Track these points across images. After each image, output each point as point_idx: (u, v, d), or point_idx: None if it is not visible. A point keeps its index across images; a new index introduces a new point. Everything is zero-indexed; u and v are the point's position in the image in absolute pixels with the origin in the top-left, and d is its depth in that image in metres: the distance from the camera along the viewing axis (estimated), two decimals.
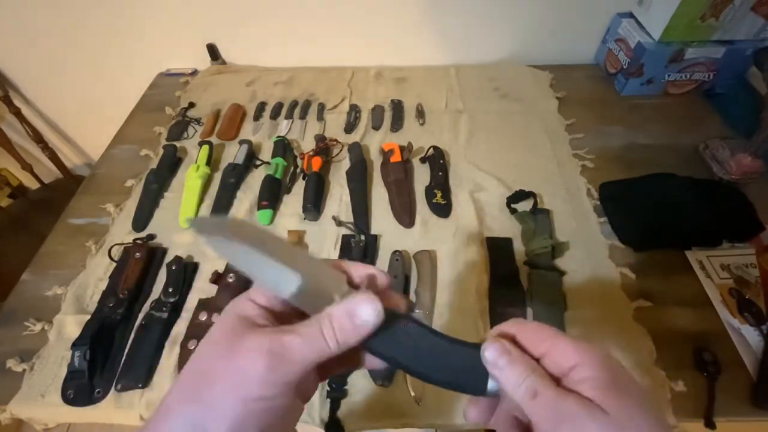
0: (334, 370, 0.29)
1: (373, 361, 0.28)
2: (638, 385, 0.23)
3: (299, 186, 0.82)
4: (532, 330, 0.25)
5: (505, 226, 0.74)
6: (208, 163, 0.85)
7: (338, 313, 0.24)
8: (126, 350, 0.61)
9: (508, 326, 0.26)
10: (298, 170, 0.85)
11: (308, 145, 0.91)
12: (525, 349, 0.25)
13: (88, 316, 0.64)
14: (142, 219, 0.77)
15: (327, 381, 0.57)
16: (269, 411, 0.23)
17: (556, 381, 0.24)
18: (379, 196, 0.80)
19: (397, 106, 0.99)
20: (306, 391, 0.27)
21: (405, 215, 0.76)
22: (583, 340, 0.24)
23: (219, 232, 0.24)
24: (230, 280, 0.65)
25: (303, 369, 0.24)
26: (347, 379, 0.57)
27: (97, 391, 0.57)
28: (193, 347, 0.59)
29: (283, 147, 0.87)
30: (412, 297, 0.65)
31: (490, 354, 0.24)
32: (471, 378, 0.25)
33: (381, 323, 0.24)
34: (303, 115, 0.99)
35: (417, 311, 0.63)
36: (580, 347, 0.24)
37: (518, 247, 0.71)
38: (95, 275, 0.70)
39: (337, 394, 0.56)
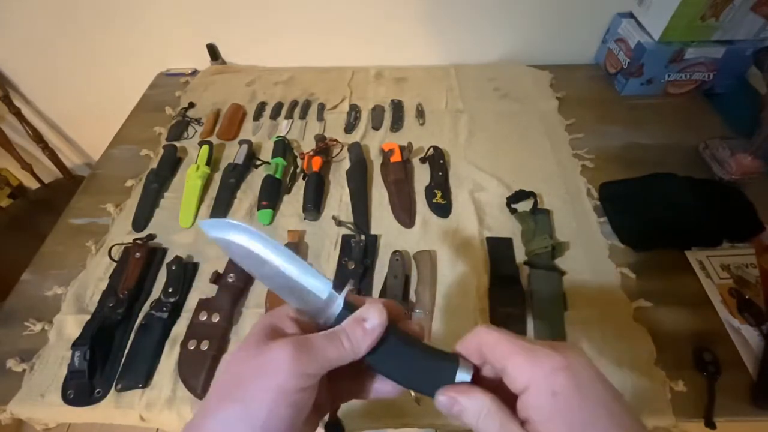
0: (344, 394, 0.30)
1: (379, 390, 0.29)
2: (600, 398, 0.23)
3: (299, 186, 0.82)
4: (493, 343, 0.26)
5: (505, 226, 0.74)
6: (208, 163, 0.85)
7: (350, 321, 0.27)
8: (126, 350, 0.61)
9: (473, 338, 0.27)
10: (298, 170, 0.85)
11: (308, 145, 0.91)
12: (490, 361, 0.26)
13: (88, 316, 0.64)
14: (142, 219, 0.77)
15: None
16: (296, 406, 0.25)
17: (514, 401, 0.24)
18: (379, 196, 0.80)
19: (397, 106, 0.99)
20: (321, 407, 0.29)
21: (405, 215, 0.76)
22: (547, 347, 0.24)
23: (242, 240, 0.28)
24: (230, 280, 0.65)
25: (324, 365, 0.26)
26: None
27: (97, 391, 0.57)
28: (193, 347, 0.59)
29: (283, 147, 0.87)
30: (412, 297, 0.65)
31: (442, 405, 0.27)
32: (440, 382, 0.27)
33: (384, 334, 0.27)
34: (303, 115, 0.99)
35: (417, 311, 0.63)
36: (535, 364, 0.24)
37: (518, 247, 0.71)
38: (95, 275, 0.70)
39: None
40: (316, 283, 0.28)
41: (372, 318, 0.26)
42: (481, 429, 0.25)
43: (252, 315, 0.64)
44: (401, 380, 0.28)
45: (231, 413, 0.24)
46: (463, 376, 0.26)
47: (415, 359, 0.27)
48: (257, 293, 0.67)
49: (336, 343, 0.26)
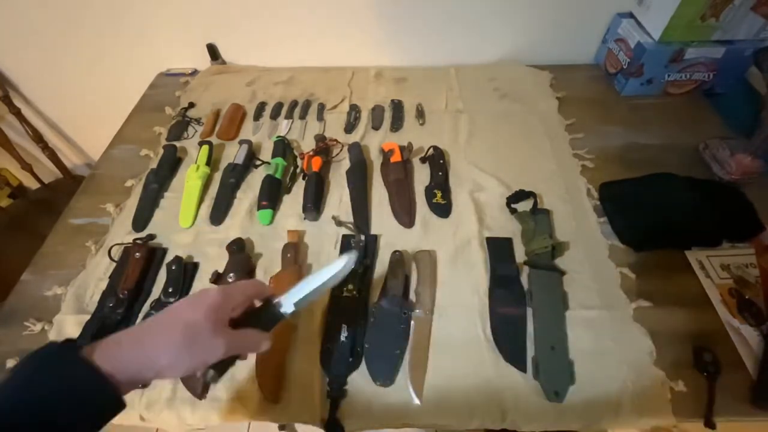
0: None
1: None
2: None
3: (299, 186, 0.82)
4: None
5: (505, 226, 0.74)
6: (208, 163, 0.85)
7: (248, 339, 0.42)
8: None
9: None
10: (298, 170, 0.85)
11: (308, 145, 0.91)
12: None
13: (88, 316, 0.64)
14: (142, 219, 0.77)
15: (327, 381, 0.57)
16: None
17: None
18: (379, 196, 0.80)
19: (397, 106, 0.98)
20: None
21: (405, 215, 0.76)
22: None
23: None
24: (230, 280, 0.65)
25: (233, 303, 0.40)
26: (347, 379, 0.57)
27: None
28: None
29: (283, 147, 0.87)
30: (412, 297, 0.65)
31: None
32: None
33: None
34: (303, 115, 0.99)
35: (417, 311, 0.63)
36: None
37: (518, 247, 0.71)
38: (95, 275, 0.70)
39: (337, 394, 0.56)
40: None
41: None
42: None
43: None
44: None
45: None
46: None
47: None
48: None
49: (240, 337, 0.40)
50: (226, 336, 0.38)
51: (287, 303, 0.44)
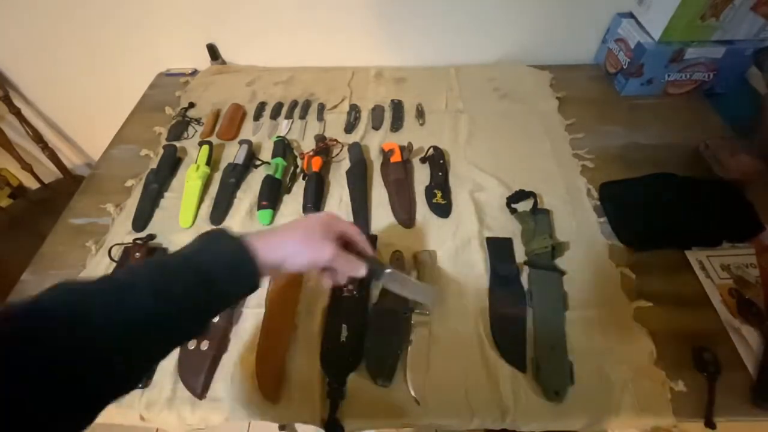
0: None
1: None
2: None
3: (299, 186, 0.82)
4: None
5: (505, 226, 0.74)
6: (208, 163, 0.85)
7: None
8: None
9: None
10: (298, 170, 0.85)
11: (308, 145, 0.91)
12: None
13: None
14: (142, 219, 0.77)
15: (327, 381, 0.57)
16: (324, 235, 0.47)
17: None
18: (379, 196, 0.80)
19: (397, 106, 0.99)
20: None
21: (405, 215, 0.76)
22: None
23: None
24: None
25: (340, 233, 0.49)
26: (347, 379, 0.57)
27: None
28: (193, 347, 0.59)
29: (283, 147, 0.87)
30: None
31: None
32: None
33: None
34: (303, 115, 0.99)
35: (417, 311, 0.63)
36: None
37: (518, 247, 0.71)
38: (95, 275, 0.69)
39: (337, 394, 0.56)
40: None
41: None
42: None
43: (252, 315, 0.64)
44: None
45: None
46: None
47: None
48: (257, 293, 0.66)
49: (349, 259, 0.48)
50: (333, 246, 0.46)
51: (387, 266, 0.51)
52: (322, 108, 1.00)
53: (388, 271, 0.50)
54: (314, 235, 0.46)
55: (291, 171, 0.85)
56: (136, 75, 1.12)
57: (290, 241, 0.45)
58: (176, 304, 0.36)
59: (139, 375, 0.38)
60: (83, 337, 0.31)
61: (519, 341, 0.60)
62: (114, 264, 0.70)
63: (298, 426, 0.59)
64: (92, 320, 0.32)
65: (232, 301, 0.44)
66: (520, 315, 0.62)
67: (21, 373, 0.28)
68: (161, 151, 0.89)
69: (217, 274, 0.39)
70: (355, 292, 0.64)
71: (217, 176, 0.84)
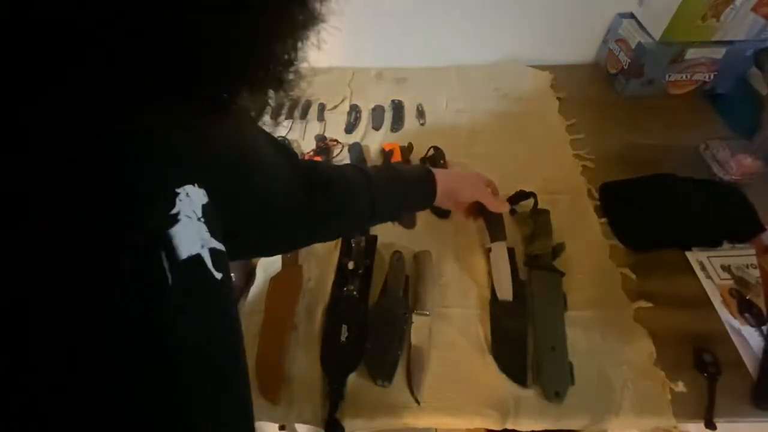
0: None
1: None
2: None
3: None
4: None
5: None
6: None
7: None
8: None
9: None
10: None
11: (308, 145, 0.91)
12: None
13: None
14: None
15: (327, 381, 0.57)
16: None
17: None
18: None
19: (398, 106, 0.98)
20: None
21: (405, 215, 0.76)
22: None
23: None
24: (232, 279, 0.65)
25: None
26: (347, 380, 0.57)
27: None
28: None
29: None
30: (412, 297, 0.65)
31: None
32: None
33: None
34: (303, 115, 0.99)
35: (417, 311, 0.63)
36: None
37: (518, 247, 0.71)
38: None
39: (337, 395, 0.55)
40: None
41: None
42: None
43: (252, 314, 0.64)
44: None
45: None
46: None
47: None
48: (257, 292, 0.66)
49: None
50: (483, 184, 0.64)
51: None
52: (322, 108, 1.00)
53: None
54: (468, 175, 0.67)
55: None
56: None
57: (454, 176, 0.64)
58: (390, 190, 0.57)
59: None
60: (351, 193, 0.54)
61: (518, 341, 0.60)
62: None
63: (298, 426, 0.59)
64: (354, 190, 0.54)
65: (410, 206, 0.66)
66: (520, 315, 0.62)
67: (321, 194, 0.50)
68: None
69: (408, 186, 0.59)
70: (355, 292, 0.64)
71: None
